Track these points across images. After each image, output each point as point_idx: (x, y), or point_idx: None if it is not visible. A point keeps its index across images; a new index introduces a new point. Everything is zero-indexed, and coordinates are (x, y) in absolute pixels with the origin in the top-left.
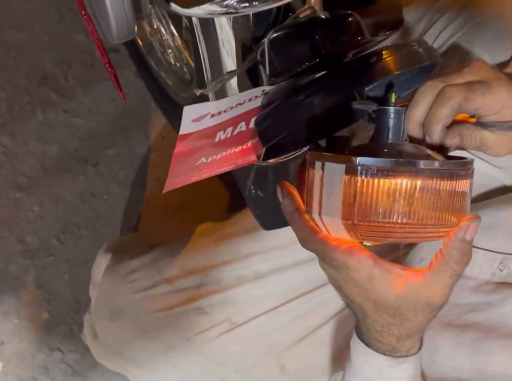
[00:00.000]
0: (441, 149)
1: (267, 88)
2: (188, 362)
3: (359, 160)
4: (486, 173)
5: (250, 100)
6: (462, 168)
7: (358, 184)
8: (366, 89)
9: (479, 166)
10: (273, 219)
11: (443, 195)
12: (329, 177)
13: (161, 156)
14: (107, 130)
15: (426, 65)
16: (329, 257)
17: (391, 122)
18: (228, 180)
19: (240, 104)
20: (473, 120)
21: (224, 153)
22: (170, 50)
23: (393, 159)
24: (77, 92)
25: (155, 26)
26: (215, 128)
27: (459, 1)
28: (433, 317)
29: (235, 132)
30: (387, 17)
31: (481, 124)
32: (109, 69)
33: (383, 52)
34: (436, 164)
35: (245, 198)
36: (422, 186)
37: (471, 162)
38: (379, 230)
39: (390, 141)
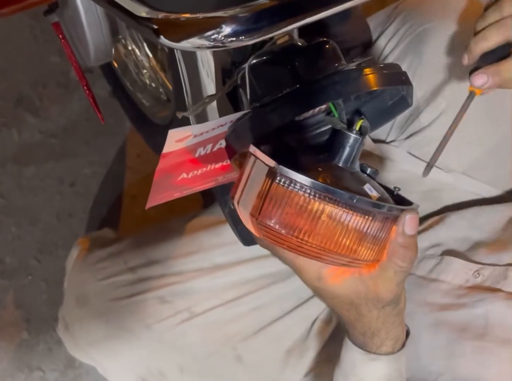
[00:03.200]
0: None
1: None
2: (149, 350)
3: (280, 168)
4: (433, 177)
5: (231, 121)
6: (384, 210)
7: (272, 189)
8: (343, 104)
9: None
10: (252, 235)
11: (352, 227)
12: (255, 174)
13: (136, 174)
14: (82, 150)
15: (402, 95)
16: (279, 255)
17: (346, 146)
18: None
19: (222, 125)
20: None
21: (204, 169)
22: (145, 71)
23: (312, 179)
24: (52, 112)
25: (129, 48)
26: (195, 145)
27: (408, 8)
28: (390, 314)
29: (215, 149)
30: (357, 38)
31: None
32: (87, 92)
33: (365, 69)
34: (354, 198)
35: (224, 214)
36: (331, 213)
37: (398, 209)
38: (278, 236)
39: (337, 163)
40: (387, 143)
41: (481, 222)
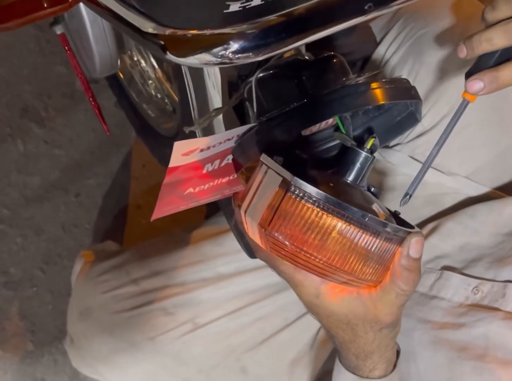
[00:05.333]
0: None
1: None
2: (154, 362)
3: (295, 179)
4: (437, 181)
5: (238, 136)
6: (391, 231)
7: (284, 200)
8: (351, 119)
9: (428, 175)
10: (253, 246)
11: (360, 246)
12: (266, 183)
13: (142, 185)
14: (88, 160)
15: (410, 111)
16: (278, 268)
17: (356, 164)
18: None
19: (229, 139)
20: None
21: (211, 184)
22: (150, 81)
23: (326, 194)
24: (58, 123)
25: (135, 59)
26: (203, 161)
27: (408, 12)
28: (386, 337)
29: (222, 164)
30: (363, 48)
31: None
32: (93, 103)
33: (372, 83)
34: (366, 217)
35: (230, 226)
36: (342, 229)
37: (405, 231)
38: (285, 249)
39: (346, 180)
40: (390, 147)
41: (478, 223)
